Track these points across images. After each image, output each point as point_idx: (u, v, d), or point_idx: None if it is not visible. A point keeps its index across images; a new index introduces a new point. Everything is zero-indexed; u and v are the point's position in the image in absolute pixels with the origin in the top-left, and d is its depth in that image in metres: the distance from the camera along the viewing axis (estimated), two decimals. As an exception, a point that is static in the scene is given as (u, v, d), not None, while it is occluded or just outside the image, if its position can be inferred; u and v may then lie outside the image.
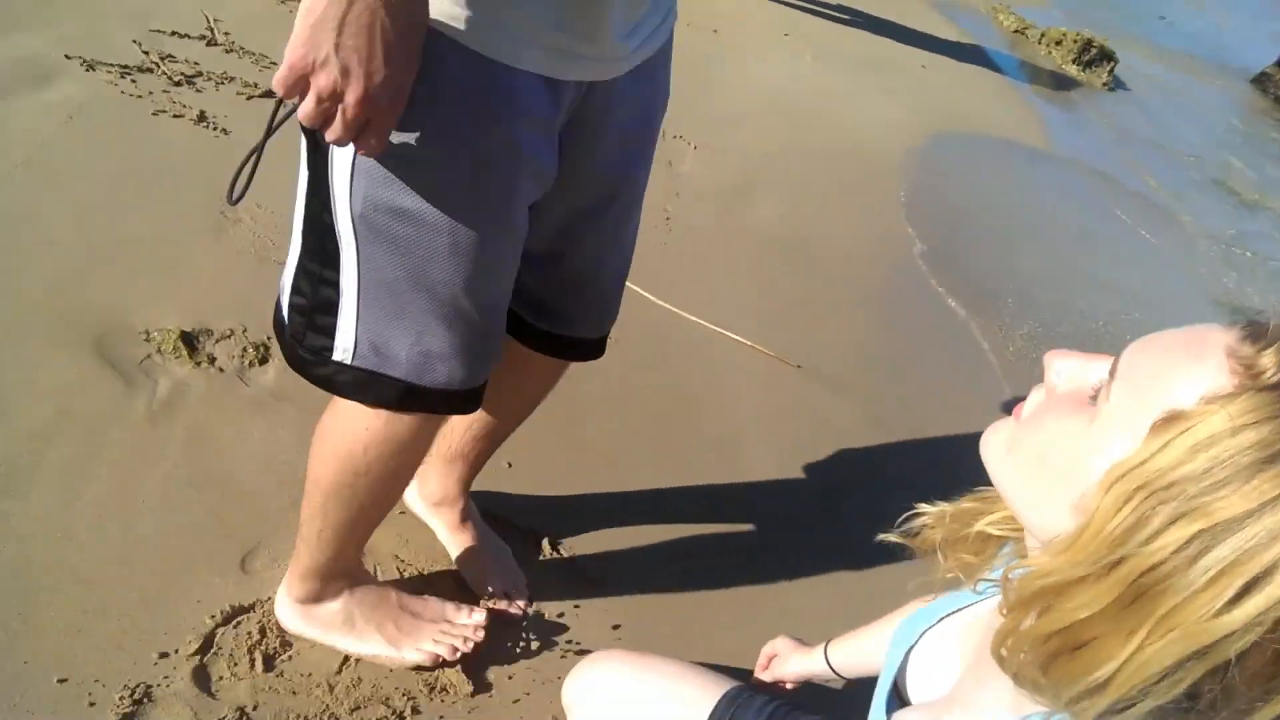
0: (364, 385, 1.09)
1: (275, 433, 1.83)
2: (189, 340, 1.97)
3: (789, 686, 1.45)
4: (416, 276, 1.01)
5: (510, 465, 1.94)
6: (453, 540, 1.66)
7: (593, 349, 1.40)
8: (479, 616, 1.51)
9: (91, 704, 1.32)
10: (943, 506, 0.93)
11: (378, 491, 1.24)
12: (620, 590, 1.76)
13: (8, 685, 1.32)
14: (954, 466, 0.90)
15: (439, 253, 0.99)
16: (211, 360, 1.95)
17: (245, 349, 2.00)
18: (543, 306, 1.31)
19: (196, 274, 2.15)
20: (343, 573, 1.41)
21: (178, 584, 1.51)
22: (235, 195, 1.00)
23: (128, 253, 2.12)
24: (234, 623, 1.47)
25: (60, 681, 1.34)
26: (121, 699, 1.33)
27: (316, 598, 1.42)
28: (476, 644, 1.48)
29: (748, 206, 3.18)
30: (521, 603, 1.64)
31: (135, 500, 1.62)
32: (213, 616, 1.46)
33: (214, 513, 1.64)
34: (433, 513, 1.67)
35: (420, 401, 1.11)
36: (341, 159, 0.96)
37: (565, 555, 1.79)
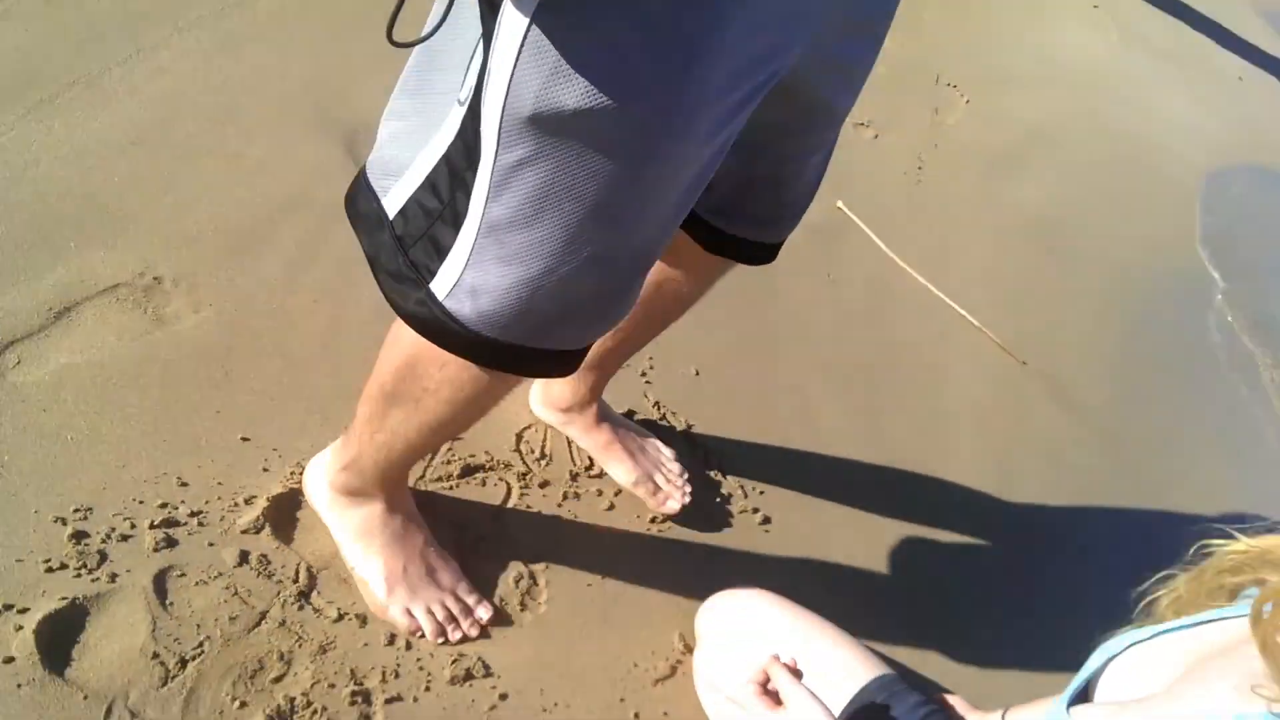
0: (443, 329, 0.88)
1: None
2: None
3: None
4: (560, 204, 0.77)
5: (698, 374, 1.87)
6: (589, 441, 1.58)
7: (767, 254, 1.21)
8: (484, 611, 1.35)
9: (265, 470, 1.38)
10: (1181, 577, 0.86)
11: (442, 422, 1.07)
12: (775, 542, 1.67)
13: (199, 429, 1.39)
14: (1179, 527, 0.74)
15: (601, 177, 0.75)
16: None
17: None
18: (721, 200, 1.10)
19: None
20: (382, 486, 1.26)
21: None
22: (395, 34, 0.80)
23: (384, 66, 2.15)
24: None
25: (243, 440, 1.40)
26: (292, 473, 1.38)
27: (351, 494, 1.28)
28: (464, 636, 1.32)
29: (1010, 178, 2.90)
30: (678, 487, 1.58)
31: (349, 296, 1.66)
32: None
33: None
34: (564, 419, 1.58)
35: (507, 360, 0.91)
36: (510, 27, 0.72)
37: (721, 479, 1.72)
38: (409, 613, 1.29)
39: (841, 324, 2.15)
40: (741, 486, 1.71)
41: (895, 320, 2.24)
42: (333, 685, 1.21)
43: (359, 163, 1.88)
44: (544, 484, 1.56)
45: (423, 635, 1.29)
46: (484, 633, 1.33)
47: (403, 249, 0.88)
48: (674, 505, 1.56)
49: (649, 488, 1.57)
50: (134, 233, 1.56)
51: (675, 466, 1.61)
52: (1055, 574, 1.82)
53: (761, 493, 1.72)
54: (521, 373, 0.93)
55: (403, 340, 1.00)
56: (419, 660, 1.27)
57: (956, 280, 2.36)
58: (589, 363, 1.33)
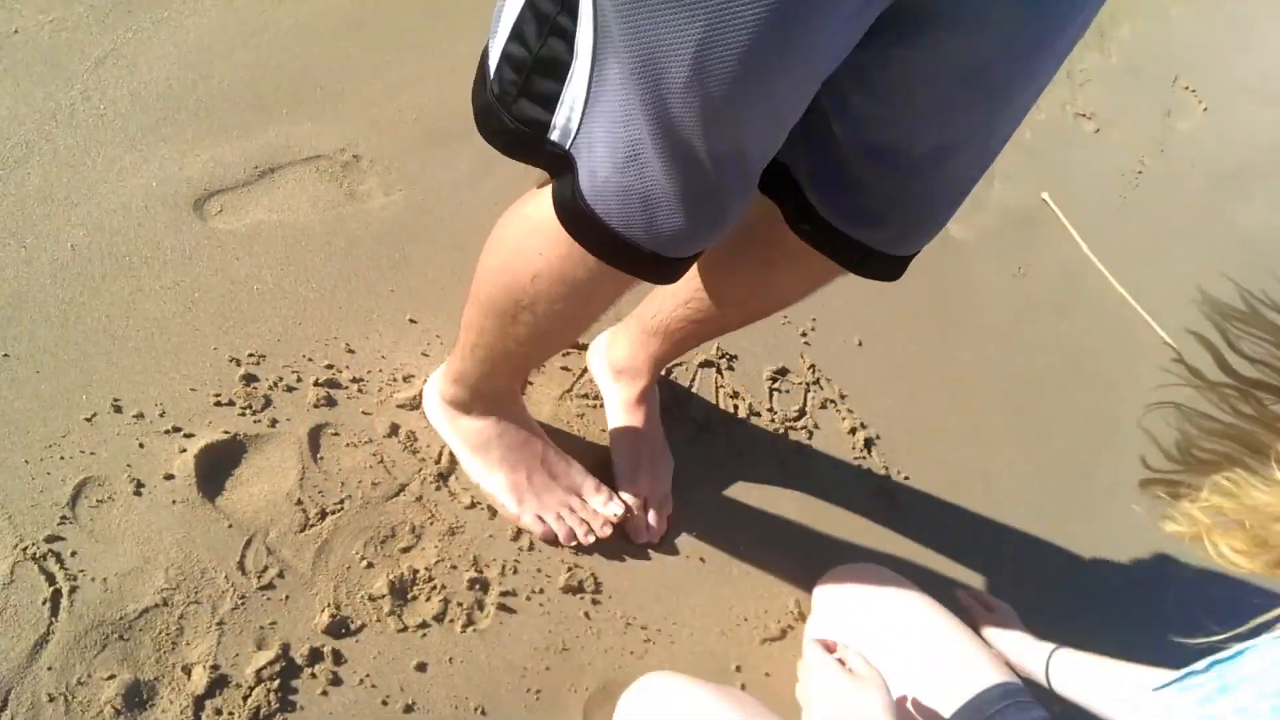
0: (563, 191, 0.82)
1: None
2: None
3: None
4: (664, 61, 0.66)
5: (860, 344, 1.79)
6: (619, 416, 1.42)
7: (892, 269, 1.00)
8: (615, 508, 1.32)
9: (424, 354, 1.41)
10: None
11: (541, 329, 1.00)
12: (909, 525, 1.59)
13: (371, 303, 1.44)
14: None
15: (711, 29, 0.64)
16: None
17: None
18: (841, 194, 0.92)
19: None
20: (493, 397, 1.24)
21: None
22: None
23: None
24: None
25: (410, 321, 1.44)
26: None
27: (462, 407, 1.26)
28: (598, 538, 1.32)
29: (1238, 196, 2.62)
30: (653, 522, 1.39)
31: (525, 203, 1.67)
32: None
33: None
34: (611, 379, 1.43)
35: (606, 247, 0.82)
36: None
37: (879, 463, 1.64)
38: (541, 519, 1.29)
39: (1023, 319, 2.00)
40: (886, 466, 1.64)
41: (1081, 325, 2.07)
42: (454, 567, 1.23)
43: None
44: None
45: (558, 540, 1.30)
46: (613, 536, 1.34)
47: (505, 107, 0.81)
48: (638, 539, 1.38)
49: (632, 506, 1.39)
50: (341, 111, 1.62)
51: (668, 505, 1.43)
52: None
53: (905, 477, 1.64)
54: (621, 266, 0.84)
55: (501, 245, 0.97)
56: (538, 562, 1.29)
57: (1157, 294, 2.16)
58: (661, 327, 1.30)
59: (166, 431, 1.20)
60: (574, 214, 0.81)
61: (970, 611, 1.31)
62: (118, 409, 1.19)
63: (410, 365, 1.39)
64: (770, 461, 1.55)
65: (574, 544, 1.31)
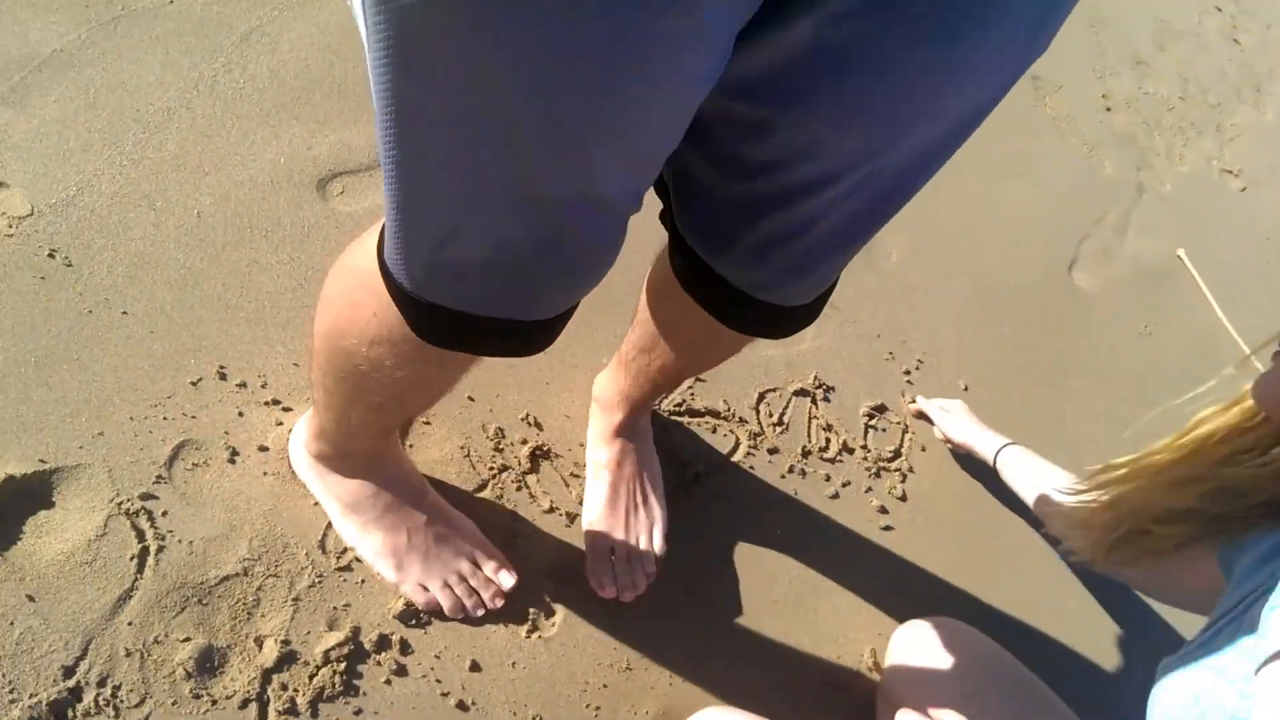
0: (385, 274, 0.69)
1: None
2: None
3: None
4: (463, 112, 0.51)
5: (966, 388, 1.72)
6: (592, 448, 1.31)
7: (775, 321, 0.85)
8: (508, 579, 1.17)
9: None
10: None
11: (393, 396, 0.87)
12: (996, 576, 1.51)
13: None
14: None
15: (507, 85, 0.48)
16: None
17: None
18: (703, 221, 0.78)
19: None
20: (362, 455, 1.10)
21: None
22: None
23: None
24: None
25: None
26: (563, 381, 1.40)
27: (330, 464, 1.13)
28: (488, 609, 1.17)
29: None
30: (629, 585, 1.23)
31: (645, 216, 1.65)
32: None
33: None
34: (594, 406, 1.33)
35: (436, 325, 0.68)
36: None
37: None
38: (423, 587, 1.14)
39: (1145, 381, 1.89)
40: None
41: (1208, 396, 1.93)
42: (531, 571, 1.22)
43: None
44: (773, 450, 1.49)
45: (442, 612, 1.15)
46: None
47: None
48: (604, 593, 1.22)
49: (602, 553, 1.24)
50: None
51: (646, 561, 1.26)
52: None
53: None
54: (459, 346, 0.70)
55: (334, 301, 0.81)
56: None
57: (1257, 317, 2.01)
58: (623, 359, 1.19)
59: (266, 403, 1.22)
60: (400, 300, 0.68)
61: (930, 414, 1.61)
62: (223, 376, 1.22)
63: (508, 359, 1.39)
64: (860, 501, 1.50)
65: (460, 616, 1.16)
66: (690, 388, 1.49)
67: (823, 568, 1.41)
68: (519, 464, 1.31)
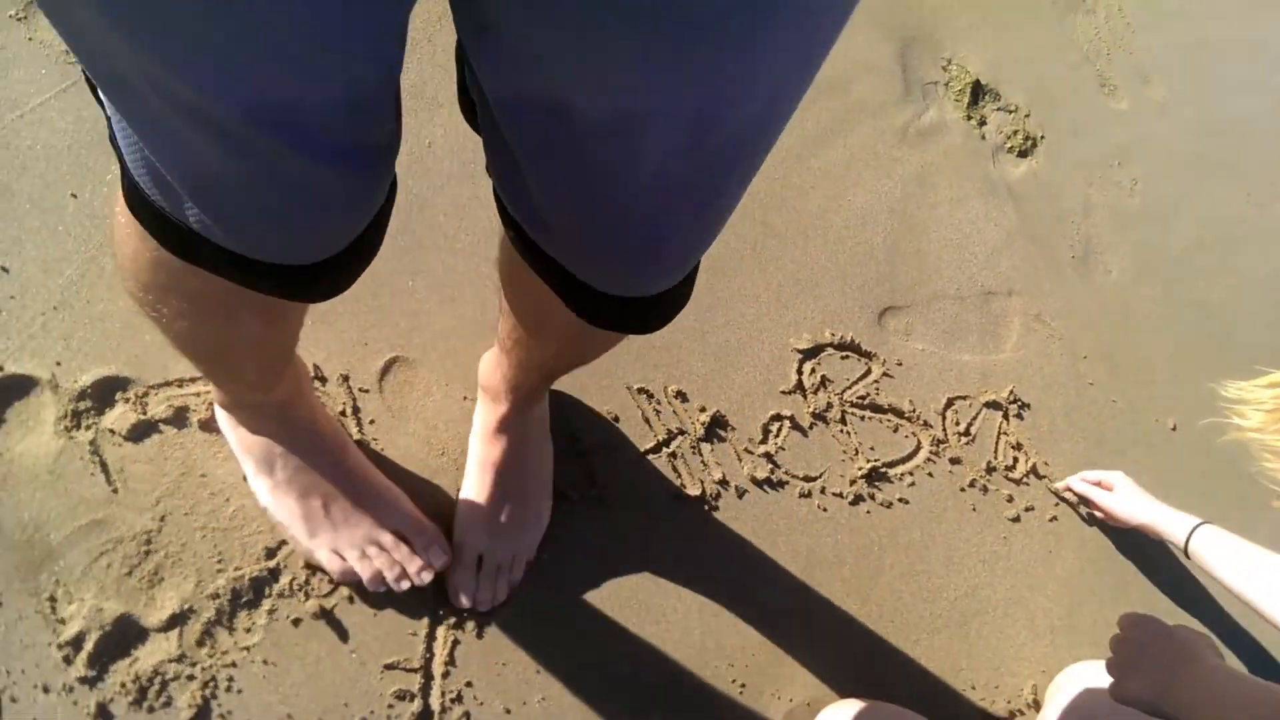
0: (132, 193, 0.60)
1: (980, 217, 1.68)
2: (977, 91, 1.83)
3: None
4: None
5: (1175, 428, 1.58)
6: (473, 446, 1.15)
7: (626, 316, 0.70)
8: (439, 557, 1.05)
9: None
10: None
11: (199, 345, 0.80)
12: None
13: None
14: None
15: None
16: (981, 123, 1.81)
17: (1017, 131, 1.82)
18: (514, 186, 0.64)
19: (1024, 37, 1.97)
20: (257, 409, 0.99)
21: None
22: None
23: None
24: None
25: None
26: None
27: (234, 415, 1.02)
28: (414, 585, 1.03)
29: None
30: (482, 583, 1.10)
31: (843, 190, 1.60)
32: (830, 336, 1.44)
33: (890, 244, 1.58)
34: (479, 393, 1.17)
35: (170, 237, 0.59)
36: None
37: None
38: (338, 555, 1.02)
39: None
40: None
41: None
42: (693, 539, 1.23)
43: (905, 70, 1.80)
44: (955, 460, 1.43)
45: (360, 583, 1.03)
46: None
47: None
48: (459, 603, 1.10)
49: (468, 560, 1.10)
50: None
51: (515, 568, 1.13)
52: None
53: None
54: (214, 269, 0.61)
55: (118, 224, 0.69)
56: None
57: None
58: (500, 341, 1.02)
59: (470, 336, 1.27)
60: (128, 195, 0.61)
61: (1091, 497, 1.40)
62: (439, 304, 1.28)
63: (697, 329, 1.38)
64: (1043, 529, 1.41)
65: (382, 589, 1.03)
66: (876, 381, 1.45)
67: (991, 591, 1.35)
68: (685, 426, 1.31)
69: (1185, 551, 1.25)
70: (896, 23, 1.85)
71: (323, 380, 1.18)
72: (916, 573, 1.32)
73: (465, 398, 1.22)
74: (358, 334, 1.22)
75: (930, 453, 1.42)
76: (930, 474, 1.41)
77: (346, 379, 1.19)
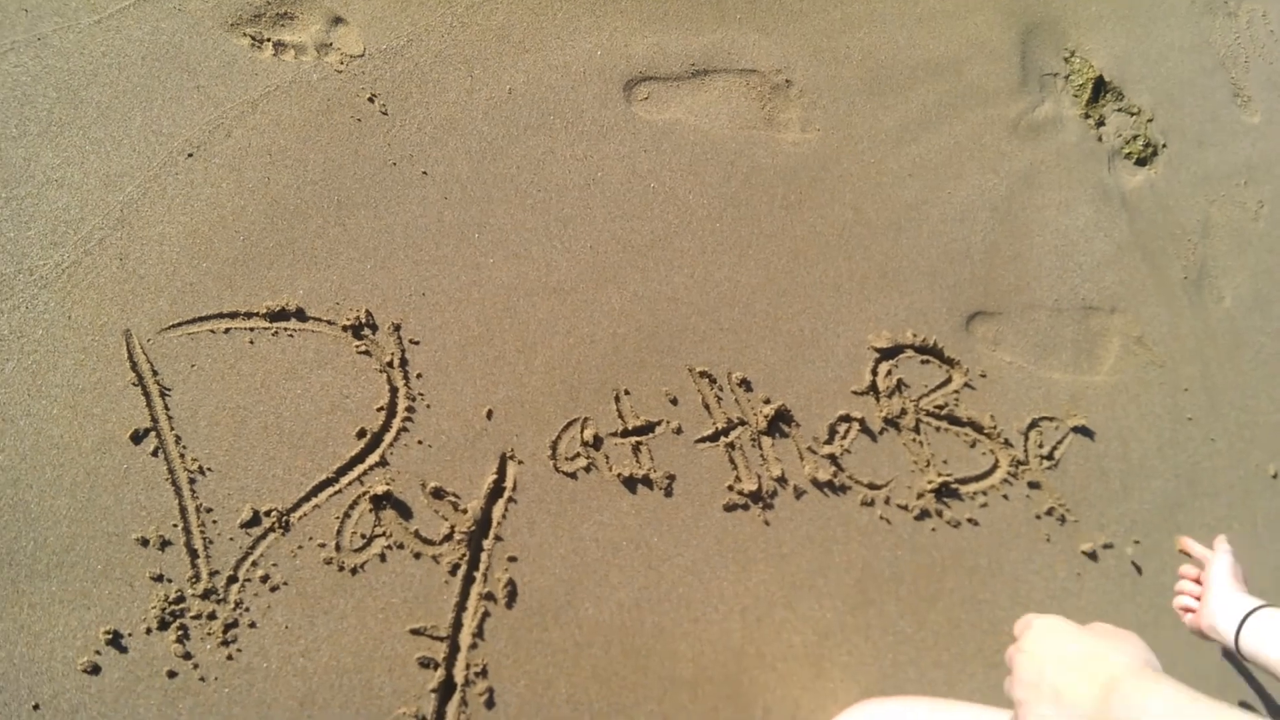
0: None
1: (1089, 226, 1.55)
2: (1099, 88, 1.69)
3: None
4: None
5: (1276, 476, 1.45)
6: None
7: None
8: None
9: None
10: None
11: None
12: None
13: (780, 254, 1.35)
14: None
15: None
16: (1100, 123, 1.67)
17: (1138, 136, 1.68)
18: None
19: (1157, 34, 1.81)
20: None
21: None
22: None
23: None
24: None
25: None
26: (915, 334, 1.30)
27: None
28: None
29: None
30: None
31: (944, 181, 1.49)
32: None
33: (989, 248, 1.46)
34: None
35: None
36: None
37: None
38: None
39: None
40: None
41: None
42: (744, 538, 1.15)
43: (1024, 57, 1.67)
44: (1034, 485, 1.33)
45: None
46: None
47: None
48: None
49: None
50: (791, 31, 1.52)
51: None
52: None
53: None
54: None
55: None
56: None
57: None
58: None
59: (531, 294, 1.20)
60: None
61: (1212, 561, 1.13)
62: (503, 259, 1.21)
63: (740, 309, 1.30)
64: (1122, 570, 1.31)
65: None
66: (957, 391, 1.35)
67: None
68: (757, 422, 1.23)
69: (1236, 646, 1.01)
70: (1020, 5, 1.71)
71: (373, 328, 1.13)
72: (979, 601, 1.23)
73: (517, 359, 1.16)
74: (417, 283, 1.16)
75: (1008, 474, 1.32)
76: (1005, 496, 1.31)
77: (398, 329, 1.14)
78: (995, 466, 1.32)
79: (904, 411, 1.30)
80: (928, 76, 1.57)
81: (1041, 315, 1.46)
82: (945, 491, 1.28)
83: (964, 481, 1.30)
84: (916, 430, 1.30)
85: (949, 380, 1.35)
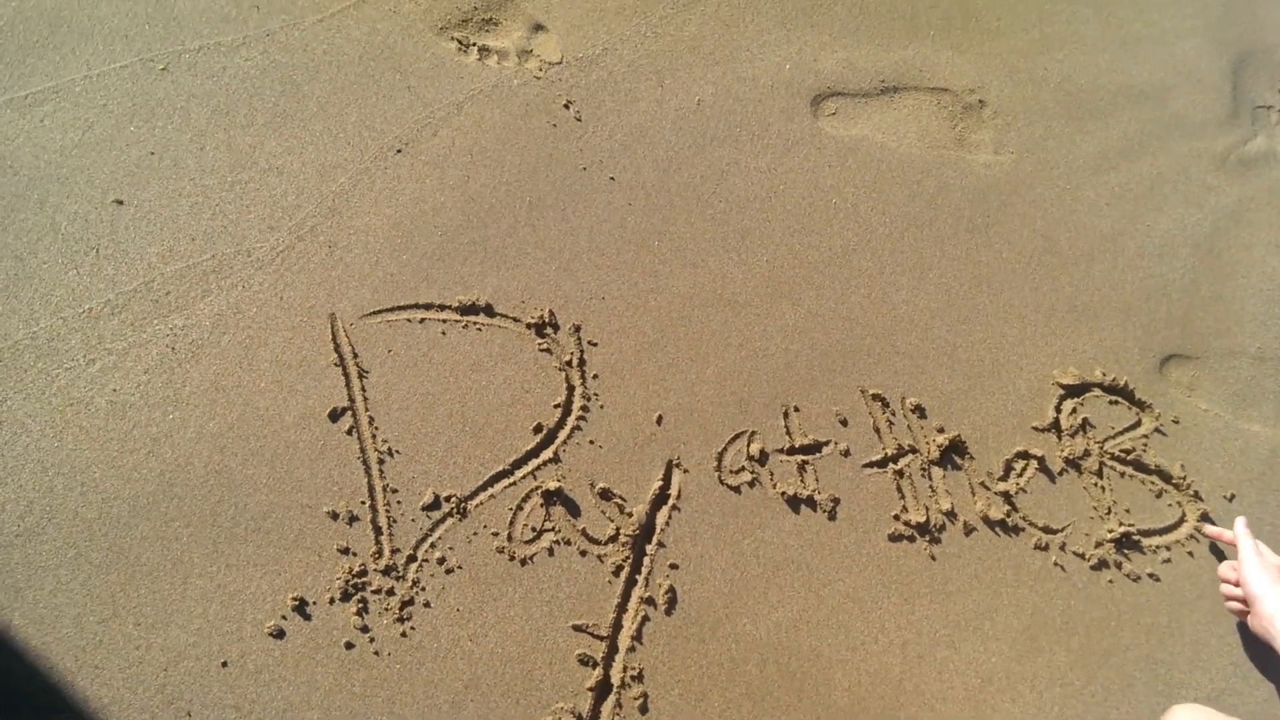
0: None
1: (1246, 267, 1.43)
2: (1322, 122, 1.56)
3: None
4: None
5: None
6: None
7: None
8: None
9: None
10: None
11: None
12: None
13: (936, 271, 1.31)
14: None
15: None
16: (1320, 158, 1.54)
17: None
18: None
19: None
20: None
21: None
22: None
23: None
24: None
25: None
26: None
27: None
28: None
29: None
30: None
31: (1143, 214, 1.41)
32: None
33: (1147, 277, 1.37)
34: None
35: None
36: None
37: None
38: None
39: None
40: None
41: None
42: (912, 570, 1.12)
43: (1236, 88, 1.56)
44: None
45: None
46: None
47: None
48: None
49: None
50: (987, 49, 1.47)
51: None
52: None
53: None
54: None
55: None
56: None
57: None
58: None
59: (706, 304, 1.21)
60: None
61: (1240, 548, 1.14)
62: (681, 267, 1.22)
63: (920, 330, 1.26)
64: None
65: None
66: (1146, 436, 1.27)
67: (1239, 701, 1.16)
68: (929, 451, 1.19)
69: None
70: (1233, 33, 1.61)
71: (555, 328, 1.16)
72: (1156, 661, 1.16)
73: (689, 367, 1.16)
74: (598, 286, 1.18)
75: (1195, 529, 1.23)
76: (1191, 554, 1.22)
77: (578, 330, 1.16)
78: (1182, 520, 1.24)
79: (1087, 453, 1.24)
80: (1130, 104, 1.49)
81: (1243, 363, 1.36)
82: (1126, 542, 1.21)
83: (1147, 534, 1.22)
84: (1099, 474, 1.23)
85: (1138, 424, 1.27)
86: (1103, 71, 1.49)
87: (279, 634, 0.99)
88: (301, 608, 1.00)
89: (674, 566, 1.09)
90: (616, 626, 1.06)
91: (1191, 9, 1.61)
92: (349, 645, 1.00)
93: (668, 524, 1.11)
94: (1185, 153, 1.47)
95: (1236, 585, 1.15)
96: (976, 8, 1.49)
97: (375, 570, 1.03)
